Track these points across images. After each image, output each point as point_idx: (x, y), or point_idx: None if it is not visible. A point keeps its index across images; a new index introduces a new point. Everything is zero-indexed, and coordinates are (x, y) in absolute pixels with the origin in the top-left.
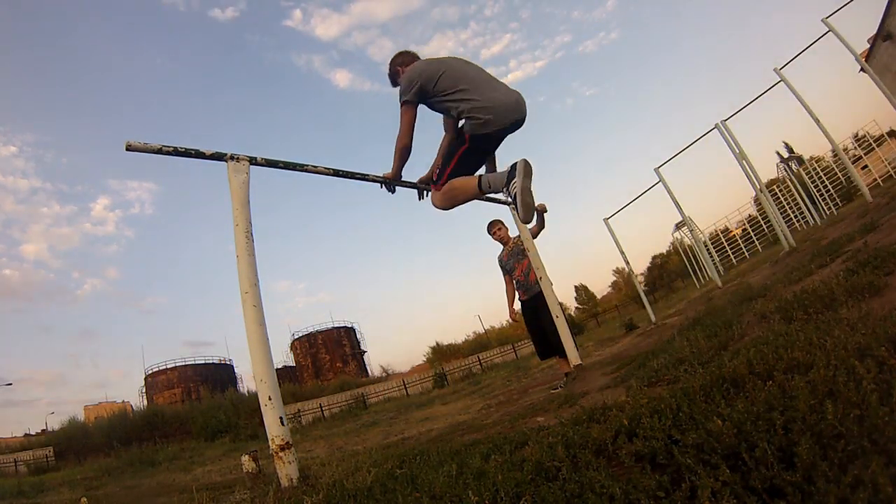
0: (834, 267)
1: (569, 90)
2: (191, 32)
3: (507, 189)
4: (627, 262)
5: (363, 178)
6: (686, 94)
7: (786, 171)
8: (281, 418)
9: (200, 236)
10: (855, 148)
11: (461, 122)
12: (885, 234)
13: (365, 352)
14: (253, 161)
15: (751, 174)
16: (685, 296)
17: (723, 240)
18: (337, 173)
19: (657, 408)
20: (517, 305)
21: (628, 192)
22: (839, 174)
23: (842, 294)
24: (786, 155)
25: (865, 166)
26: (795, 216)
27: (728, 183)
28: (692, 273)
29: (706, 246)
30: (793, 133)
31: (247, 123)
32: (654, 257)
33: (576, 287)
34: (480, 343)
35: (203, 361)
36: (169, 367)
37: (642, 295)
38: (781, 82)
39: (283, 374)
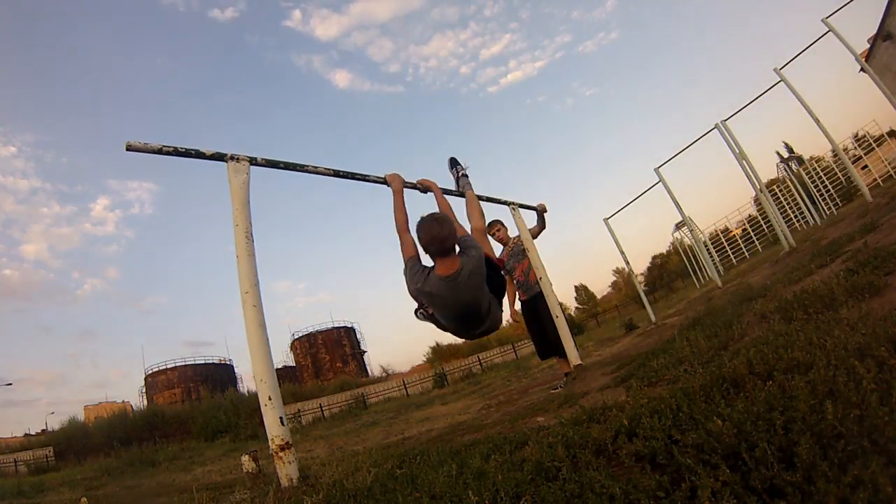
0: (834, 267)
1: (569, 90)
2: (190, 33)
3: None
4: (627, 262)
5: (363, 178)
6: (686, 94)
7: (786, 171)
8: (281, 418)
9: (200, 236)
10: (855, 148)
11: None
12: (885, 234)
13: (365, 352)
14: (253, 161)
15: (751, 174)
16: (685, 296)
17: (723, 240)
18: (337, 173)
19: (657, 408)
20: (517, 305)
21: (628, 192)
22: (839, 174)
23: (842, 294)
24: (786, 155)
25: (865, 166)
26: (795, 216)
27: (728, 183)
28: (692, 273)
29: (706, 246)
30: (793, 133)
31: (247, 124)
32: (654, 257)
33: (576, 287)
34: (480, 343)
35: (203, 361)
36: (169, 367)
37: (642, 295)
38: (781, 82)
39: (283, 374)
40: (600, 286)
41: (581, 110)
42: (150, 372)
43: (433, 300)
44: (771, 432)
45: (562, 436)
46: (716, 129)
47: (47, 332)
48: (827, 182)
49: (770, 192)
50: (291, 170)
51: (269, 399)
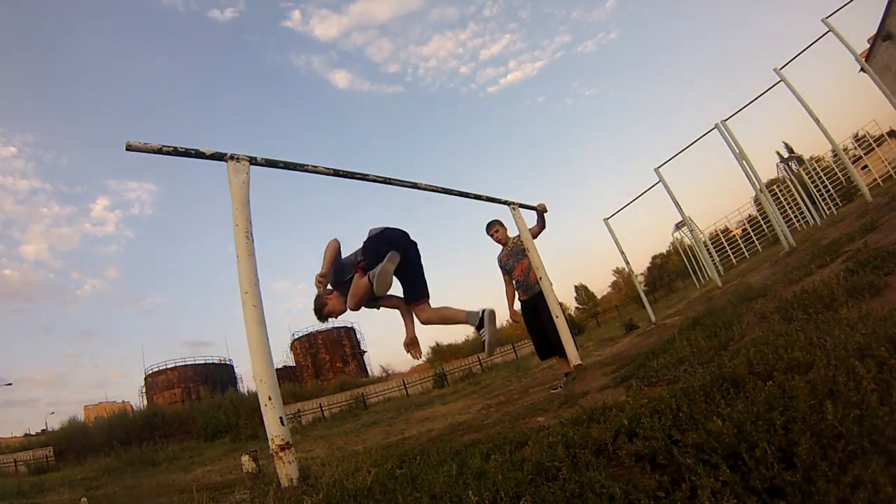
0: (834, 267)
1: (568, 90)
2: (190, 33)
3: (479, 333)
4: (627, 262)
5: (363, 177)
6: (686, 94)
7: (786, 171)
8: (281, 418)
9: (200, 236)
10: (855, 148)
11: None
12: (885, 234)
13: (365, 352)
14: (253, 161)
15: (751, 174)
16: (685, 296)
17: (723, 240)
18: (337, 173)
19: (657, 408)
20: (517, 305)
21: (628, 192)
22: (839, 174)
23: (842, 294)
24: (786, 155)
25: (865, 166)
26: (795, 216)
27: (728, 183)
28: (692, 273)
29: (706, 246)
30: (793, 133)
31: (246, 124)
32: (654, 257)
33: (576, 287)
34: (480, 343)
35: (203, 361)
36: (169, 367)
37: (642, 295)
38: (781, 82)
39: (283, 374)
40: (600, 286)
41: (581, 110)
42: (150, 372)
43: None
44: (771, 432)
45: (562, 436)
46: (716, 129)
47: (47, 332)
48: (827, 182)
49: (770, 192)
50: (291, 169)
51: (269, 399)
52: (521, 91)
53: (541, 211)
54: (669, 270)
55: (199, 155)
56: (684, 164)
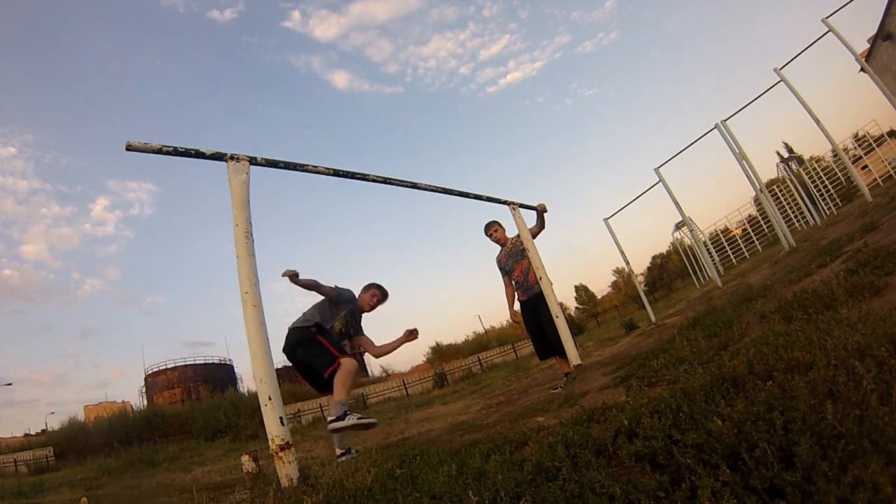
0: (834, 267)
1: (568, 91)
2: (190, 34)
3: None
4: (627, 262)
5: (363, 177)
6: (686, 94)
7: (786, 171)
8: (281, 418)
9: (200, 237)
10: (855, 148)
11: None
12: (885, 234)
13: (365, 352)
14: (253, 161)
15: (751, 174)
16: (685, 296)
17: (723, 240)
18: (337, 173)
19: (657, 408)
20: (517, 306)
21: (628, 192)
22: (839, 174)
23: (842, 294)
24: (786, 155)
25: (865, 166)
26: (795, 216)
27: (728, 183)
28: (692, 273)
29: (706, 246)
30: (793, 133)
31: (247, 124)
32: (654, 257)
33: (576, 287)
34: (480, 343)
35: (203, 361)
36: (169, 367)
37: (642, 295)
38: (781, 82)
39: (283, 374)
40: (600, 286)
41: (580, 110)
42: (150, 372)
43: None
44: (771, 432)
45: (562, 436)
46: (716, 129)
47: (47, 332)
48: (827, 182)
49: (770, 192)
50: (291, 169)
51: (269, 399)
52: (521, 91)
53: (541, 211)
54: (669, 270)
55: (199, 155)
56: (684, 164)
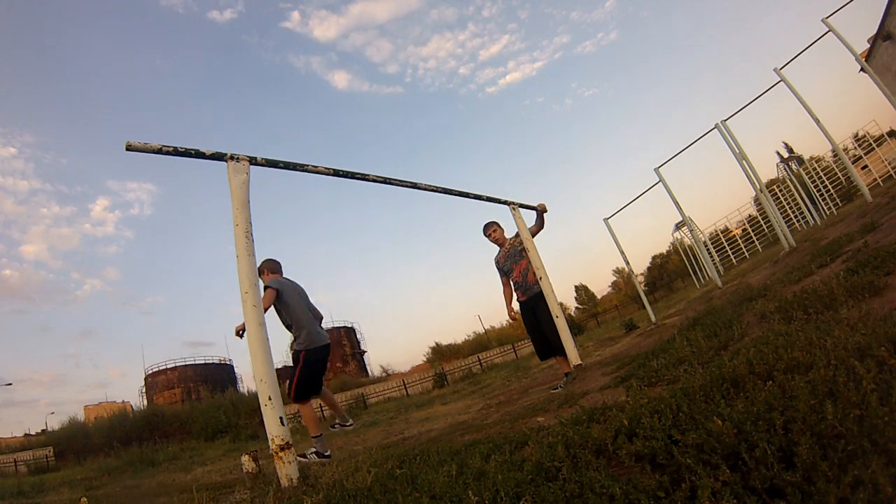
0: (834, 267)
1: (568, 91)
2: (190, 34)
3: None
4: (627, 262)
5: (363, 177)
6: (686, 94)
7: (786, 171)
8: (281, 418)
9: (200, 237)
10: (855, 148)
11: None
12: (885, 234)
13: (365, 352)
14: (253, 161)
15: (751, 174)
16: (685, 296)
17: (723, 240)
18: (337, 173)
19: (657, 408)
20: (516, 306)
21: (628, 192)
22: (839, 174)
23: (842, 294)
24: (786, 155)
25: (865, 166)
26: (795, 216)
27: (728, 183)
28: (692, 273)
29: (706, 246)
30: (793, 133)
31: (246, 124)
32: (654, 257)
33: (576, 287)
34: (480, 343)
35: (203, 361)
36: (169, 367)
37: (642, 295)
38: (781, 82)
39: (283, 374)
40: (600, 286)
41: (580, 111)
42: (150, 372)
43: None
44: (771, 432)
45: (562, 436)
46: (716, 129)
47: (47, 332)
48: (827, 182)
49: (770, 192)
50: (291, 169)
51: (269, 399)
52: (521, 91)
53: (541, 211)
54: (669, 270)
55: (199, 155)
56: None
